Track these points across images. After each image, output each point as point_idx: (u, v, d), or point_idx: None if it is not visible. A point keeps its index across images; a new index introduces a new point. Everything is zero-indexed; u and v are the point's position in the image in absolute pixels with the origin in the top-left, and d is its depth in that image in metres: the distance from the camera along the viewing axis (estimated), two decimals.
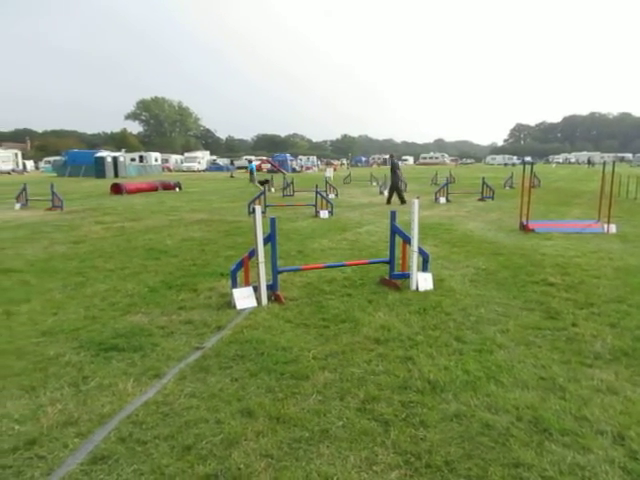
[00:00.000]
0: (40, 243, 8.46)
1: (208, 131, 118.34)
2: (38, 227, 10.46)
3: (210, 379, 3.27)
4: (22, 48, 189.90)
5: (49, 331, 4.17)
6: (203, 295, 5.21)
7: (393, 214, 5.48)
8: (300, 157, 68.90)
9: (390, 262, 5.50)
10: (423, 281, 5.29)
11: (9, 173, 46.07)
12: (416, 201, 5.35)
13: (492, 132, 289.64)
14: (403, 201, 14.88)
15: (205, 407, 2.91)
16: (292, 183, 18.98)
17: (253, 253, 4.92)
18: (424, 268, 5.45)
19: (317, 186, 13.52)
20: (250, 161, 23.02)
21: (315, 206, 12.52)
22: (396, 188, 15.22)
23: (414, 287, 5.26)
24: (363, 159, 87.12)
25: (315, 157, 73.56)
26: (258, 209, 4.84)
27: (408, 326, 4.20)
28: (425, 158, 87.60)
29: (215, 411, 2.86)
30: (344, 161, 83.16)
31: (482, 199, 16.24)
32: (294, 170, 47.93)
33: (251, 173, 22.31)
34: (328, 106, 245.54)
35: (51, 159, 55.62)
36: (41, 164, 59.08)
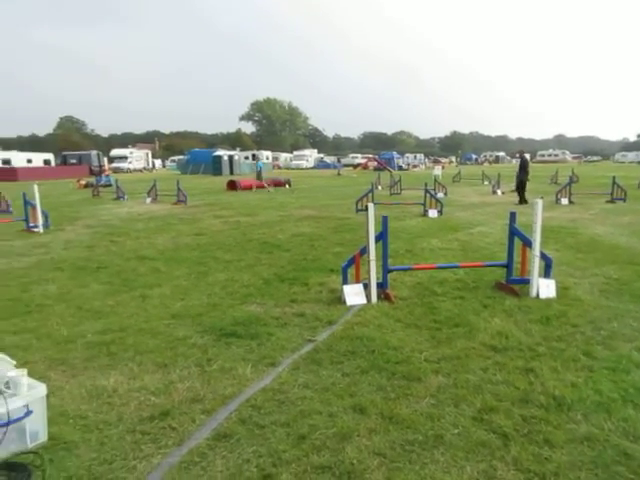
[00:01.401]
0: (168, 234, 9.28)
1: (316, 130, 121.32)
2: (166, 219, 11.48)
3: (322, 372, 3.34)
4: (152, 70, 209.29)
5: (177, 314, 4.55)
6: (314, 289, 5.34)
7: (513, 215, 5.17)
8: (407, 155, 67.89)
9: (508, 266, 5.20)
10: (545, 288, 4.92)
11: (141, 171, 51.11)
12: (539, 201, 4.99)
13: (623, 126, 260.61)
14: (523, 201, 14.07)
15: (318, 399, 2.97)
16: (399, 181, 18.75)
17: (364, 250, 4.93)
18: (546, 274, 5.07)
19: (426, 184, 13.21)
20: (259, 159, 22.66)
21: (424, 205, 12.24)
22: (522, 187, 14.47)
23: (534, 294, 4.92)
24: (473, 157, 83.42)
25: (422, 155, 72.01)
26: (371, 207, 4.84)
27: (528, 335, 3.93)
28: (543, 155, 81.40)
29: (328, 404, 2.91)
30: (453, 159, 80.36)
31: (612, 201, 14.71)
32: (400, 168, 47.31)
33: (259, 172, 21.83)
34: (437, 102, 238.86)
35: (176, 158, 60.70)
36: (167, 162, 64.77)
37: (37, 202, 9.81)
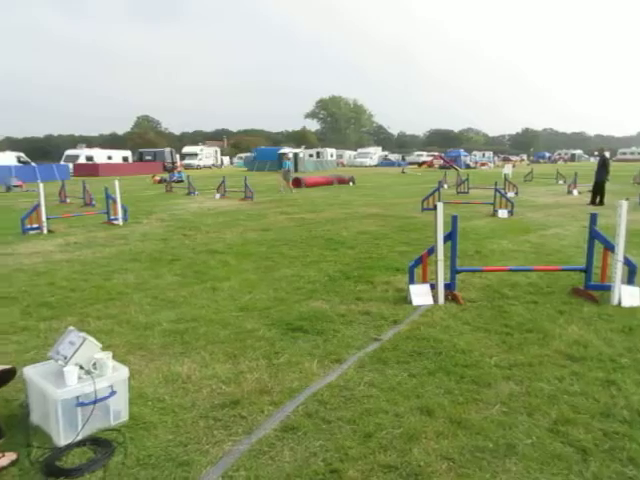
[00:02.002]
0: (236, 229, 9.58)
1: (381, 127, 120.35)
2: (234, 215, 11.85)
3: (388, 371, 3.32)
4: (223, 75, 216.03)
5: (245, 307, 4.69)
6: (379, 288, 5.31)
7: (594, 216, 4.87)
8: (474, 153, 65.65)
9: (587, 271, 4.91)
10: (628, 296, 4.61)
11: (210, 167, 53.01)
12: (624, 203, 4.67)
13: None
14: (601, 202, 13.25)
15: (384, 398, 2.96)
16: (467, 180, 18.21)
17: (432, 250, 4.84)
18: (629, 281, 4.74)
19: (496, 183, 12.74)
20: (288, 158, 21.81)
21: (493, 204, 11.81)
22: (601, 187, 13.65)
23: (616, 301, 4.61)
24: (546, 155, 79.25)
25: (491, 153, 69.34)
26: (440, 206, 4.74)
27: (609, 345, 3.70)
28: (625, 153, 75.83)
29: (394, 404, 2.89)
30: (524, 157, 76.81)
31: None
32: (467, 166, 45.89)
33: (287, 171, 21.03)
34: (508, 98, 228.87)
35: (243, 155, 62.38)
36: (234, 159, 66.70)
37: (117, 197, 10.45)
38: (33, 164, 33.07)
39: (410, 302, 4.74)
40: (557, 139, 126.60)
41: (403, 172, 38.04)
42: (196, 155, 53.42)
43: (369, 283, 5.50)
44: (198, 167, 50.49)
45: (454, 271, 4.86)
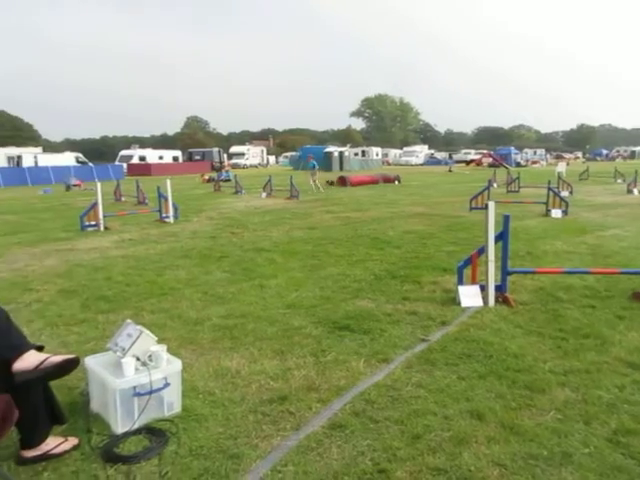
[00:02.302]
0: (282, 227, 9.69)
1: (427, 125, 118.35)
2: (280, 214, 11.99)
3: (436, 373, 3.27)
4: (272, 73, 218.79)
5: (292, 304, 4.74)
6: (427, 288, 5.24)
7: None
8: (525, 150, 63.47)
9: None
10: None
11: (256, 166, 53.89)
12: None
13: None
14: None
15: (432, 400, 2.92)
16: (517, 179, 17.64)
17: (482, 250, 4.73)
18: None
19: (549, 182, 12.27)
20: (311, 157, 21.60)
21: (546, 204, 11.38)
22: None
23: None
24: (604, 152, 75.48)
25: (543, 150, 66.80)
26: (491, 205, 4.61)
27: None
28: None
29: (442, 406, 2.84)
30: (579, 154, 73.56)
31: None
32: (518, 164, 44.44)
33: (314, 171, 20.63)
34: (563, 92, 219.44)
35: (288, 154, 63.00)
36: (280, 159, 67.46)
37: (169, 195, 10.80)
38: (90, 164, 34.72)
39: (459, 303, 4.64)
40: (616, 135, 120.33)
41: (450, 171, 37.31)
42: (243, 155, 54.47)
43: (416, 283, 5.43)
44: (245, 166, 51.43)
45: (505, 272, 4.72)
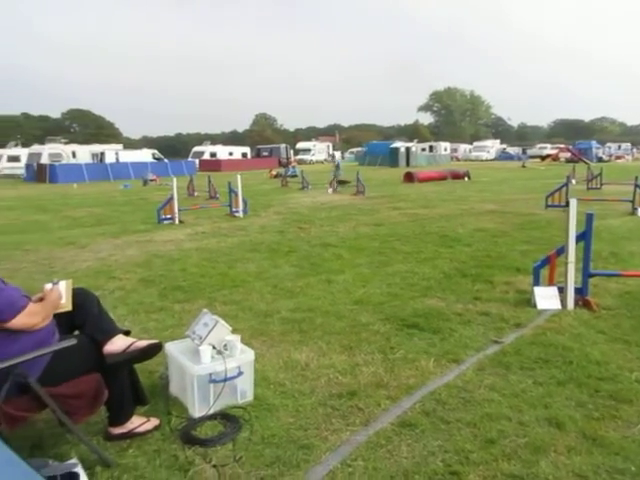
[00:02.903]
0: (349, 223, 9.71)
1: (499, 119, 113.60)
2: (346, 209, 12.01)
3: (511, 377, 3.15)
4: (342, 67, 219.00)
5: (359, 300, 4.74)
6: (499, 288, 5.05)
7: None
8: (608, 144, 59.29)
9: None
10: None
11: (322, 162, 54.24)
12: None
13: None
14: None
15: (507, 404, 2.81)
16: (599, 175, 16.52)
17: (561, 250, 4.49)
18: None
19: (637, 178, 11.38)
20: (334, 156, 20.77)
21: (632, 202, 10.60)
22: None
23: None
24: None
25: (629, 144, 62.09)
26: (573, 202, 4.36)
27: None
28: None
29: (518, 411, 2.74)
30: None
31: None
32: (600, 159, 41.61)
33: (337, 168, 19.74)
34: None
35: (354, 150, 62.98)
36: (346, 154, 67.49)
37: (239, 190, 11.14)
38: (165, 160, 36.49)
39: (534, 305, 4.44)
40: None
41: (523, 166, 35.64)
42: (309, 150, 55.00)
43: (488, 283, 5.25)
44: (311, 162, 51.95)
45: (587, 274, 4.45)
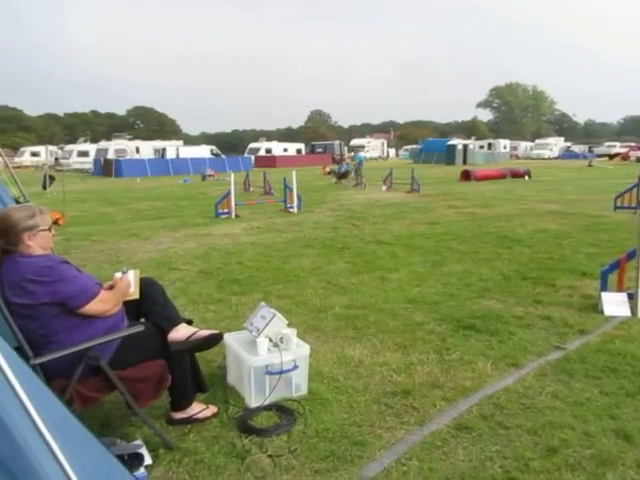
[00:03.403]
0: (403, 221, 9.60)
1: (564, 115, 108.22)
2: (400, 207, 11.87)
3: (575, 384, 3.01)
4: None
5: (414, 299, 4.68)
6: (562, 292, 4.83)
7: None
8: None
9: None
10: None
11: (376, 159, 53.88)
12: None
13: None
14: None
15: (570, 413, 2.69)
16: None
17: (632, 254, 4.23)
18: None
19: None
20: (357, 151, 19.75)
21: None
22: None
23: None
24: None
25: None
26: None
27: None
28: None
29: (583, 421, 2.61)
30: None
31: None
32: None
33: (358, 167, 18.70)
34: None
35: (409, 147, 62.04)
36: (400, 152, 66.67)
37: (294, 186, 11.26)
38: (223, 156, 37.45)
39: (601, 311, 4.22)
40: None
41: (590, 165, 33.84)
42: (363, 147, 54.72)
43: (550, 286, 5.04)
44: (365, 159, 51.66)
45: None
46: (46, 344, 2.20)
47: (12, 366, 1.27)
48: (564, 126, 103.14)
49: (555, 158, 52.62)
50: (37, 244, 2.26)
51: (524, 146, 59.45)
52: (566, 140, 66.70)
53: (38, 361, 2.07)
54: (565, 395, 2.89)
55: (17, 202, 3.99)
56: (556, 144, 58.94)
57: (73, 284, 2.25)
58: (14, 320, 2.11)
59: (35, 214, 2.27)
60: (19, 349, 2.08)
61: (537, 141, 62.27)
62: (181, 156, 35.14)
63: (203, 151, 37.71)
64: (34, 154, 41.03)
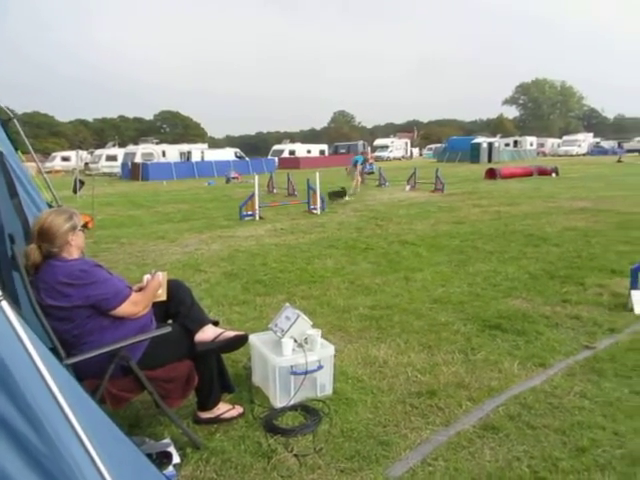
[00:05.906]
0: (427, 221, 9.53)
1: (593, 111, 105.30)
2: (425, 207, 11.79)
3: (604, 384, 2.96)
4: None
5: (439, 299, 4.65)
6: (591, 291, 4.74)
7: None
8: None
9: None
10: None
11: (400, 159, 53.55)
12: None
13: None
14: None
15: (600, 412, 2.65)
16: None
17: None
18: None
19: None
20: (358, 152, 18.83)
21: None
22: None
23: None
24: None
25: None
26: None
27: None
28: None
29: (612, 421, 2.57)
30: None
31: None
32: None
33: (363, 168, 18.03)
34: None
35: (433, 146, 61.42)
36: (424, 151, 66.08)
37: (317, 187, 11.30)
38: (247, 159, 37.79)
39: (631, 310, 4.12)
40: None
41: (619, 161, 32.90)
42: (387, 147, 54.48)
43: (578, 285, 4.94)
44: (388, 159, 51.44)
45: None
46: (78, 345, 2.28)
47: (49, 367, 1.33)
48: (593, 122, 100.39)
49: (584, 154, 51.36)
50: (76, 243, 2.35)
51: (551, 143, 58.22)
52: (595, 136, 64.99)
53: (71, 361, 2.14)
54: (594, 395, 2.84)
55: (50, 206, 4.12)
56: (585, 140, 57.46)
57: (106, 287, 2.32)
58: (48, 322, 2.19)
59: (72, 215, 2.37)
60: (52, 350, 2.16)
61: (565, 137, 60.82)
62: (206, 159, 35.59)
63: (227, 154, 38.11)
64: (65, 159, 42.17)
